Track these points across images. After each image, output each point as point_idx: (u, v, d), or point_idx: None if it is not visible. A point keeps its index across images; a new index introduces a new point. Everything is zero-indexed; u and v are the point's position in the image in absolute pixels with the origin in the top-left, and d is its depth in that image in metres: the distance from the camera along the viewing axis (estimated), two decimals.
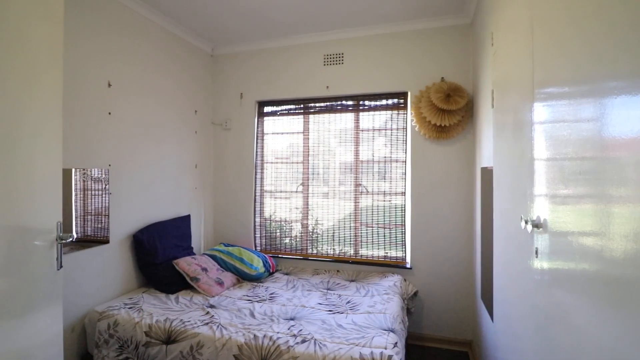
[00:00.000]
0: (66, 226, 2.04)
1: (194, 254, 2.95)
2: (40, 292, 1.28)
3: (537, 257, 1.10)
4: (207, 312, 2.13)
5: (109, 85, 2.32)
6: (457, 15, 2.72)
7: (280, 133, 3.35)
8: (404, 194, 2.98)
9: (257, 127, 3.38)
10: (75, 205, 2.16)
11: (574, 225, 0.84)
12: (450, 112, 2.63)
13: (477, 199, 2.50)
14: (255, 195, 3.37)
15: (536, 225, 1.08)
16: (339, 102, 3.15)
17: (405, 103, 2.95)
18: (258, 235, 3.38)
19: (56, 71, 1.34)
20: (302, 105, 3.24)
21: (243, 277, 2.80)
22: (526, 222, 1.12)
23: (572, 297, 0.85)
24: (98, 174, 2.28)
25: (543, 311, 1.06)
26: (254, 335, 1.84)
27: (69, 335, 2.05)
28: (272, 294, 2.49)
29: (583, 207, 0.79)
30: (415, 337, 2.83)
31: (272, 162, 3.38)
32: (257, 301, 2.35)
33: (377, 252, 3.05)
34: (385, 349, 1.70)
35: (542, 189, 1.07)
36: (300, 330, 1.91)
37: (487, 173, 2.10)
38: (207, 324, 1.97)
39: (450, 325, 2.78)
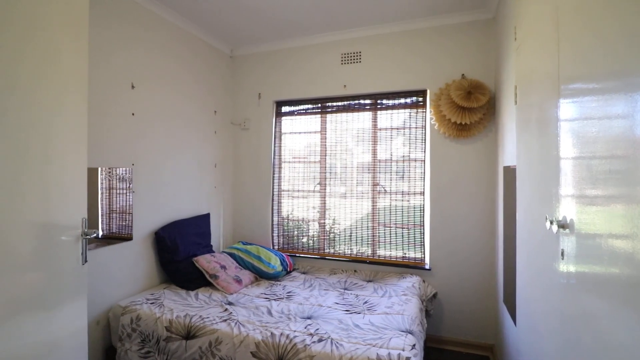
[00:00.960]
0: (93, 223, 2.13)
1: (214, 251, 3.00)
2: (66, 285, 1.34)
3: (562, 259, 1.06)
4: (226, 309, 2.17)
5: (133, 87, 2.39)
6: (477, 10, 2.65)
7: (298, 133, 3.36)
8: (422, 193, 2.93)
9: (275, 127, 3.40)
10: (101, 203, 2.24)
11: (603, 226, 0.80)
12: (471, 110, 2.57)
13: (499, 199, 2.42)
14: (273, 195, 3.39)
15: (562, 226, 1.04)
16: (356, 101, 3.12)
17: (425, 101, 2.90)
18: (276, 234, 3.40)
19: (81, 78, 1.39)
20: (319, 105, 3.24)
21: (261, 275, 2.82)
22: (551, 223, 1.08)
23: (600, 302, 0.81)
24: (122, 172, 2.35)
25: (569, 316, 1.01)
26: (271, 333, 1.85)
27: (94, 328, 2.13)
28: (289, 292, 2.51)
29: (613, 208, 0.76)
30: (434, 339, 2.78)
31: (289, 162, 3.39)
32: (274, 299, 2.37)
33: (395, 253, 3.01)
34: (403, 350, 1.67)
35: (569, 188, 1.02)
36: (317, 329, 1.91)
37: (510, 172, 2.03)
38: (225, 320, 2.00)
39: (471, 329, 2.71)
